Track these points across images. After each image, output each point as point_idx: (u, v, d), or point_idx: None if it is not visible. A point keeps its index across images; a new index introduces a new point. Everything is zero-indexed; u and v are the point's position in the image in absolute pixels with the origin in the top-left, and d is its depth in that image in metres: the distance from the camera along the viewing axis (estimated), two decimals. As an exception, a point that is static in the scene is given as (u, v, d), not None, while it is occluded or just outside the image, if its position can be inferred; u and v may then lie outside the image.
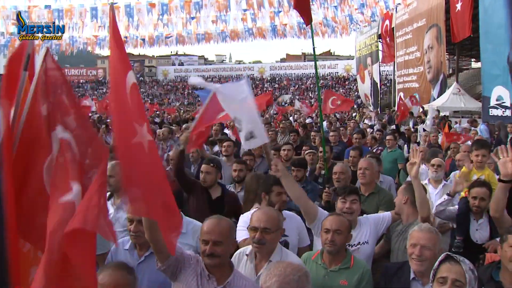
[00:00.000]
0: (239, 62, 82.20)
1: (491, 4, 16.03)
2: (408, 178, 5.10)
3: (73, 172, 1.58)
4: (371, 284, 2.82)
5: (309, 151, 6.36)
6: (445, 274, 2.16)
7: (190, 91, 59.50)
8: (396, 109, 21.20)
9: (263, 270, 2.53)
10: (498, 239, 3.12)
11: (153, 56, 72.87)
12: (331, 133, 8.69)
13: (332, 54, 77.51)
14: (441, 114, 18.15)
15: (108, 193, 3.76)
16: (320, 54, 68.95)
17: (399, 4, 18.24)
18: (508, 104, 15.41)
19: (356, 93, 45.68)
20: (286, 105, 36.87)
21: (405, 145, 9.76)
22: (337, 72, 61.90)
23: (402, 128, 12.53)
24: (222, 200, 4.32)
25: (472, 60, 36.49)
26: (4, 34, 15.33)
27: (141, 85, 62.74)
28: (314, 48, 5.24)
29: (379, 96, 33.26)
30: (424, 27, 23.48)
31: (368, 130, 12.39)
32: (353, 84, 53.26)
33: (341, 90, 52.62)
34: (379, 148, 8.10)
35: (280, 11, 14.53)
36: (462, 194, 4.31)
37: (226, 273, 2.39)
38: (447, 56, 26.51)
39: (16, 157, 1.60)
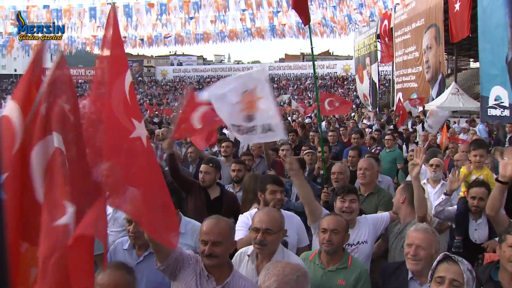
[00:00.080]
0: (238, 62, 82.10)
1: (489, 4, 16.06)
2: (407, 178, 5.13)
3: (67, 191, 1.55)
4: (368, 284, 2.82)
5: (307, 151, 6.37)
6: (443, 274, 2.16)
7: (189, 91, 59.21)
8: (394, 109, 21.21)
9: (263, 271, 2.53)
10: (497, 239, 3.12)
11: (152, 56, 72.72)
12: (330, 133, 8.69)
13: (331, 54, 77.51)
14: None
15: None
16: (318, 54, 69.07)
17: (397, 4, 18.26)
18: (506, 104, 15.44)
19: (354, 93, 45.68)
20: (285, 105, 36.83)
21: (404, 145, 9.77)
22: (336, 72, 61.86)
23: (400, 128, 12.55)
24: (220, 200, 4.31)
25: (471, 60, 36.59)
26: (2, 34, 15.27)
27: (139, 85, 62.62)
28: (312, 48, 5.23)
29: (378, 96, 33.30)
30: (423, 27, 23.50)
31: (366, 130, 12.42)
32: (351, 84, 53.25)
33: (339, 90, 52.63)
34: (378, 148, 8.12)
35: (279, 11, 14.50)
36: (461, 194, 4.32)
37: (225, 273, 2.39)
38: (446, 56, 26.55)
39: (16, 157, 1.59)
